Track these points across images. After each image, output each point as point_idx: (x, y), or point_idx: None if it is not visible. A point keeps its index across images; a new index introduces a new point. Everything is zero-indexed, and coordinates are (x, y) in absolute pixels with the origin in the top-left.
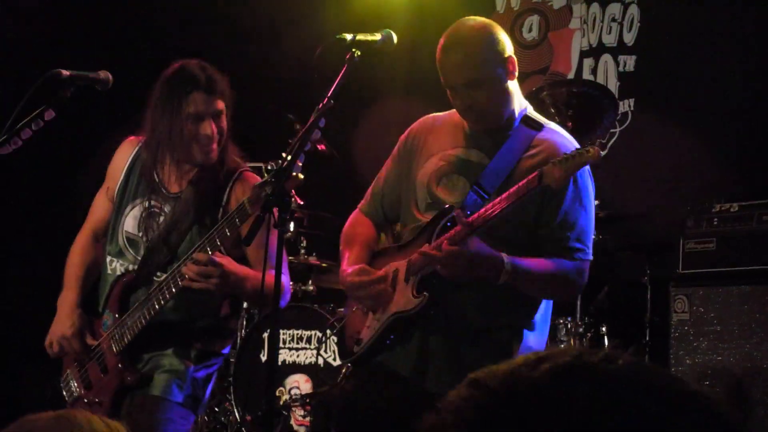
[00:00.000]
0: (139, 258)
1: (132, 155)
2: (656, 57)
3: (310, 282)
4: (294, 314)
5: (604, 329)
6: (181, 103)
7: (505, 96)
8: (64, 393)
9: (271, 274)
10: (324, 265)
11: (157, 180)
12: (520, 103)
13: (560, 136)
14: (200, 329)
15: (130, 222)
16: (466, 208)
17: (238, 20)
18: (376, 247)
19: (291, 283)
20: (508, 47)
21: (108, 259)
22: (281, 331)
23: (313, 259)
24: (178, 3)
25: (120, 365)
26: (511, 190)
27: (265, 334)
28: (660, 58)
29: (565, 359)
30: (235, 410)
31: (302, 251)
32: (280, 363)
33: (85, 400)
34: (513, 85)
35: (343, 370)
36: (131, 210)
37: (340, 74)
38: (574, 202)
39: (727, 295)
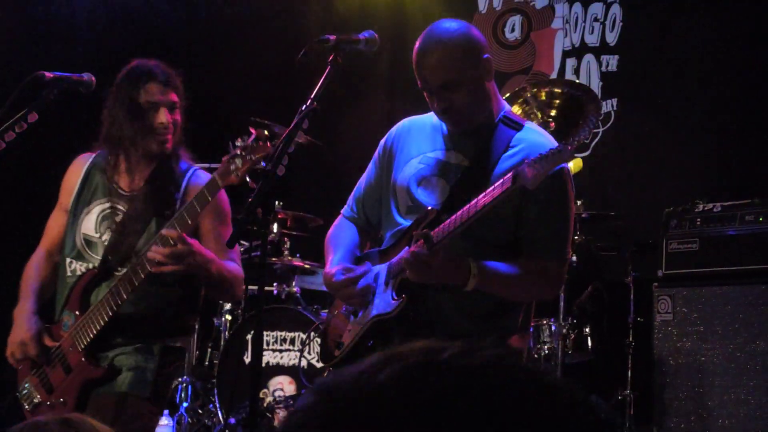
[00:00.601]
0: (98, 258)
1: (86, 167)
2: (639, 57)
3: (293, 284)
4: (278, 316)
5: (587, 330)
6: (138, 93)
7: (483, 97)
8: (24, 402)
9: (235, 268)
10: (307, 266)
11: (112, 182)
12: (499, 104)
13: (539, 135)
14: (161, 325)
15: (87, 224)
16: (445, 211)
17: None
18: (359, 252)
19: (275, 284)
20: (485, 48)
21: (67, 261)
22: (264, 333)
23: (296, 261)
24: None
25: (84, 360)
26: (487, 192)
27: (249, 336)
28: (642, 57)
29: (415, 358)
30: (219, 412)
31: (286, 253)
32: (263, 365)
33: (48, 403)
34: (491, 87)
35: (325, 374)
36: (87, 214)
37: (324, 76)
38: (550, 202)
39: (710, 296)
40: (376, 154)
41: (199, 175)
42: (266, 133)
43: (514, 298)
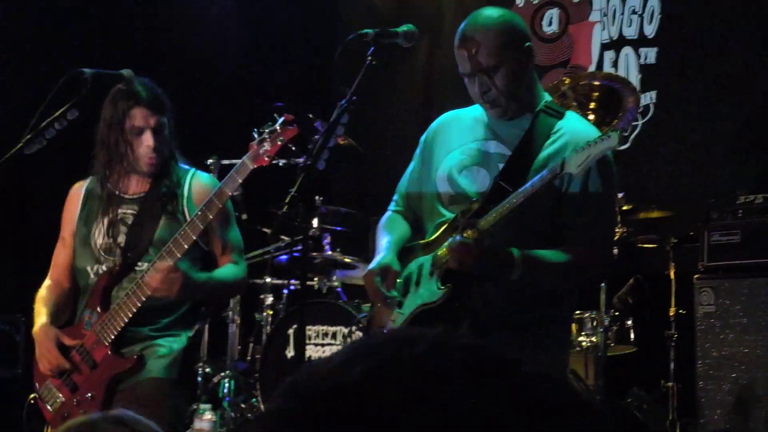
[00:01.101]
0: (118, 259)
1: (83, 193)
2: (677, 49)
3: (334, 278)
4: (319, 310)
5: (629, 322)
6: (124, 118)
7: (524, 84)
8: (47, 402)
9: (231, 277)
10: (348, 260)
11: (115, 192)
12: (540, 94)
13: (581, 122)
14: (185, 314)
15: (98, 236)
16: (488, 200)
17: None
18: (407, 243)
19: (316, 279)
20: (528, 36)
21: (88, 268)
22: (306, 327)
23: (337, 255)
24: None
25: (111, 354)
26: (533, 180)
27: (290, 330)
28: (681, 49)
29: (384, 354)
30: (262, 407)
31: (326, 247)
32: (305, 359)
33: (74, 401)
34: (532, 75)
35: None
36: (97, 228)
37: (362, 71)
38: (593, 189)
39: (752, 287)
40: (418, 148)
41: (200, 176)
42: (291, 117)
43: (559, 286)
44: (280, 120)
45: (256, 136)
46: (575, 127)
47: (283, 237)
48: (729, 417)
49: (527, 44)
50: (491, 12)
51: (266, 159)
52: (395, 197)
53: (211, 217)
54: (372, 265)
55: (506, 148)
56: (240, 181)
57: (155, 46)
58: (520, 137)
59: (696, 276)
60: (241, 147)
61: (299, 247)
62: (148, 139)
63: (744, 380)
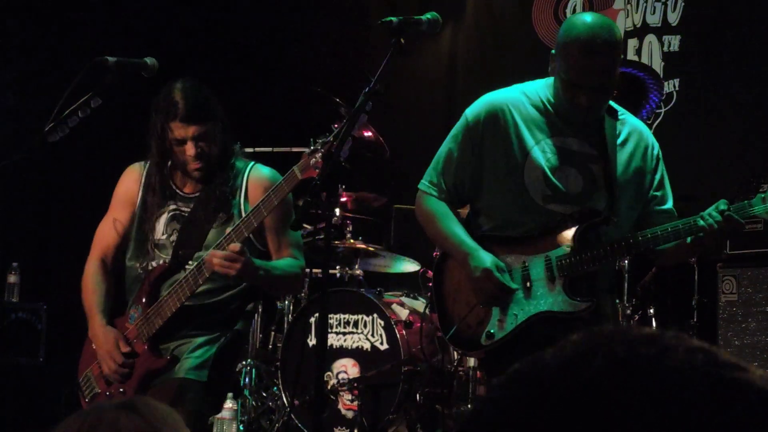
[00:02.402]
0: (168, 257)
1: (143, 177)
2: (701, 36)
3: (356, 266)
4: (341, 298)
5: (651, 311)
6: (165, 131)
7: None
8: (85, 392)
9: (291, 269)
10: (370, 249)
11: (173, 186)
12: None
13: (636, 122)
14: (224, 317)
15: (158, 229)
16: (611, 210)
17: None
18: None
19: (338, 267)
20: None
21: (136, 262)
22: (328, 316)
23: (359, 243)
24: None
25: (147, 350)
26: (679, 228)
27: (312, 319)
28: (705, 37)
29: (619, 353)
30: (283, 395)
31: (348, 235)
32: (327, 347)
33: (107, 394)
34: None
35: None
36: (154, 221)
37: (386, 58)
38: (665, 172)
39: None
40: (464, 137)
41: (258, 169)
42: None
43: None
44: (335, 132)
45: (311, 144)
46: (634, 125)
47: (305, 225)
48: None
49: (621, 55)
50: (610, 25)
51: (315, 171)
52: (436, 182)
53: (255, 224)
54: (482, 263)
55: (588, 145)
56: (288, 190)
57: (185, 31)
58: (594, 135)
59: (718, 264)
60: (267, 133)
61: (321, 236)
62: (189, 149)
63: (766, 368)
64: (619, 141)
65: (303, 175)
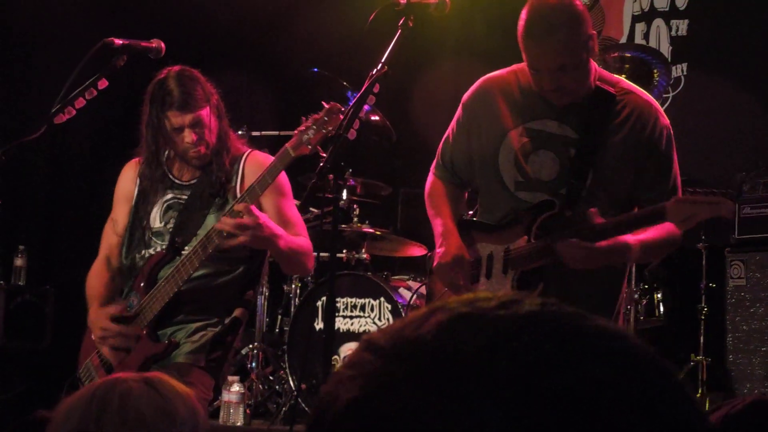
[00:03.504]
0: (166, 244)
1: (138, 173)
2: (709, 20)
3: (363, 250)
4: (348, 282)
5: (659, 296)
6: (161, 120)
7: (588, 73)
8: (85, 382)
9: (304, 242)
10: (377, 233)
11: (170, 176)
12: (593, 66)
13: (636, 95)
14: (222, 303)
15: (154, 218)
16: (567, 200)
17: None
18: (462, 207)
19: (345, 251)
20: (590, 24)
21: (136, 252)
22: (335, 299)
23: (366, 227)
24: None
25: (146, 336)
26: (631, 218)
27: (319, 303)
28: (713, 21)
29: (458, 309)
30: (290, 378)
31: (355, 219)
32: (334, 331)
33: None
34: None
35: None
36: (151, 212)
37: (394, 40)
38: (666, 158)
39: None
40: (458, 116)
41: (255, 155)
42: (339, 106)
43: (656, 259)
44: (326, 108)
45: (302, 121)
46: (635, 103)
47: (312, 209)
48: (759, 391)
49: (591, 33)
50: (559, 4)
51: (308, 148)
52: (439, 161)
53: (250, 203)
54: (443, 255)
55: (570, 128)
56: (281, 169)
57: (186, 13)
58: (582, 117)
59: (727, 249)
60: (273, 117)
61: (328, 219)
62: (187, 137)
63: None
64: (615, 122)
65: (296, 152)
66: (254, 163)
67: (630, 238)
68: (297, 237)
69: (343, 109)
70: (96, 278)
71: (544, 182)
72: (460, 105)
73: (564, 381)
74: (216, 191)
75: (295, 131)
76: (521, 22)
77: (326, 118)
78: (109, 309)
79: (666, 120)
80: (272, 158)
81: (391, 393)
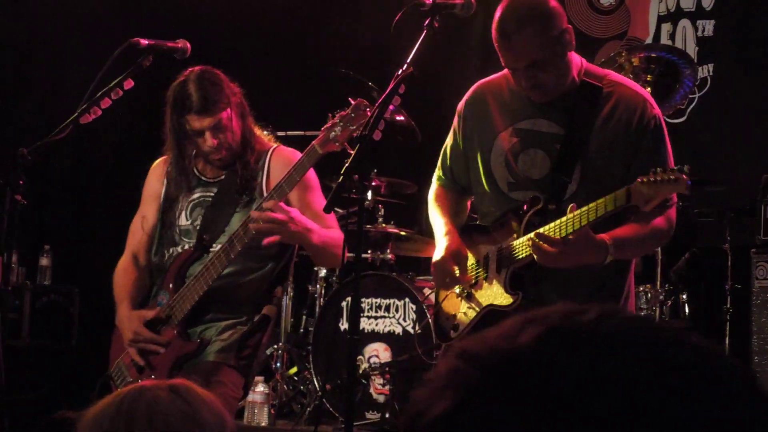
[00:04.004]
0: (194, 241)
1: (166, 171)
2: (735, 21)
3: (388, 250)
4: (373, 282)
5: (684, 297)
6: (182, 124)
7: (567, 67)
8: (117, 381)
9: (336, 233)
10: (402, 233)
11: (197, 174)
12: (576, 62)
13: (624, 87)
14: (251, 300)
15: (181, 217)
16: (552, 196)
17: None
18: (464, 215)
19: (370, 251)
20: (564, 18)
21: (165, 249)
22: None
23: (391, 228)
24: None
25: (177, 335)
26: (599, 203)
27: (344, 303)
28: (739, 22)
29: (554, 322)
30: (315, 379)
31: (380, 219)
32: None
33: (139, 380)
34: (571, 54)
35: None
36: (178, 210)
37: (419, 40)
38: (656, 151)
39: None
40: (454, 123)
41: (281, 150)
42: (365, 102)
43: (640, 255)
44: (353, 105)
45: (329, 118)
46: (621, 94)
47: (337, 209)
48: None
49: (565, 26)
50: (526, 2)
51: (336, 145)
52: (439, 172)
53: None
54: (440, 251)
55: (557, 125)
56: (309, 166)
57: (212, 14)
58: (568, 113)
59: (752, 250)
60: (299, 116)
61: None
62: (208, 140)
63: None
64: (601, 115)
65: (323, 150)
66: (280, 158)
67: (605, 236)
68: (329, 229)
69: (369, 105)
70: (124, 276)
71: (535, 180)
72: (456, 113)
73: (663, 400)
74: (242, 189)
75: (322, 129)
76: (493, 22)
77: (353, 115)
78: (142, 313)
79: (655, 109)
80: (298, 153)
81: (489, 405)
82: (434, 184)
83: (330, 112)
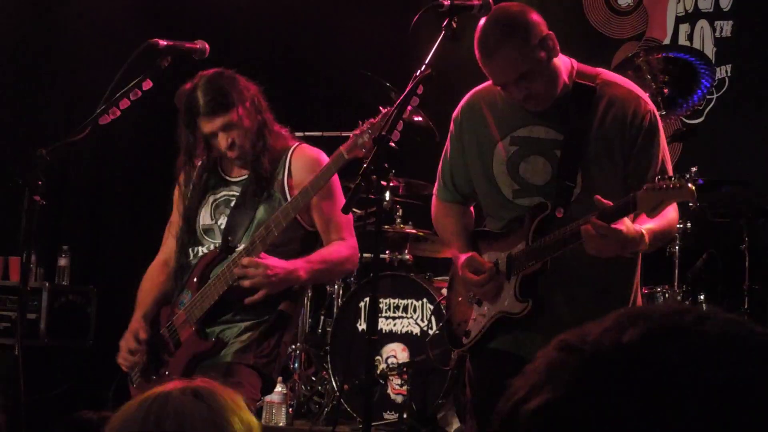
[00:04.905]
0: (217, 242)
1: (186, 174)
2: (753, 22)
3: (406, 251)
4: (390, 283)
5: (702, 297)
6: (194, 129)
7: (556, 73)
8: (133, 378)
9: (334, 250)
10: (420, 233)
11: (220, 173)
12: (566, 65)
13: (616, 86)
14: (271, 300)
15: (203, 216)
16: (558, 201)
17: None
18: (471, 222)
19: (388, 252)
20: (543, 26)
21: (189, 249)
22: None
23: (408, 228)
24: None
25: (195, 333)
26: (606, 210)
27: (362, 303)
28: (757, 22)
29: (657, 321)
30: (333, 379)
31: (398, 220)
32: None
33: (154, 378)
34: (559, 58)
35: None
36: (202, 209)
37: (437, 41)
38: (651, 135)
39: None
40: (450, 132)
41: (302, 148)
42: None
43: (661, 247)
44: (384, 112)
45: (359, 124)
46: (615, 95)
47: (355, 210)
48: None
49: (545, 34)
50: (497, 18)
51: (362, 151)
52: (440, 185)
53: (301, 204)
54: (459, 260)
55: (554, 131)
56: (335, 170)
57: (232, 15)
58: (565, 117)
59: None
60: (317, 117)
61: (372, 220)
62: (222, 141)
63: None
64: (597, 116)
65: (349, 155)
66: (301, 156)
67: (644, 229)
68: (331, 248)
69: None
70: (149, 282)
71: (539, 187)
72: (452, 121)
73: (764, 399)
74: (261, 188)
75: (351, 134)
76: (474, 44)
77: (382, 123)
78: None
79: (649, 105)
80: (320, 151)
81: (593, 397)
82: (435, 200)
83: (360, 119)
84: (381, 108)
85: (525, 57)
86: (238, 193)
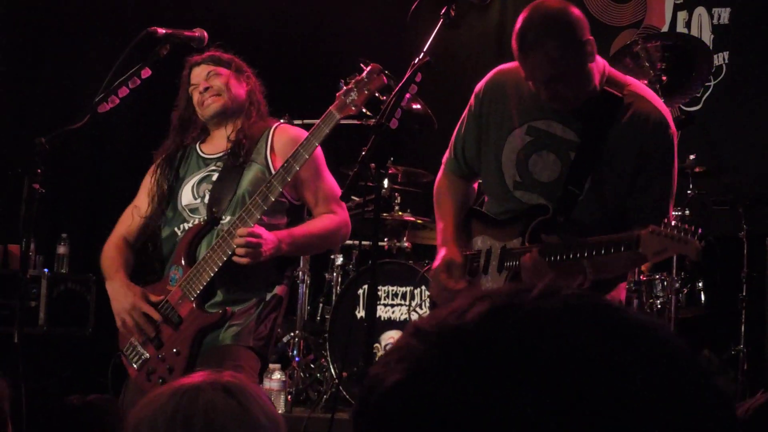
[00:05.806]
0: (203, 217)
1: (163, 159)
2: (751, 9)
3: (404, 238)
4: (389, 270)
5: (700, 285)
6: (186, 84)
7: (588, 79)
8: (132, 359)
9: (324, 220)
10: (419, 221)
11: (199, 152)
12: (599, 68)
13: (643, 100)
14: (263, 277)
15: (187, 196)
16: (563, 207)
17: None
18: (472, 199)
19: (386, 239)
20: (587, 29)
21: (176, 229)
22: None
23: (407, 216)
24: None
25: (196, 308)
26: (605, 241)
27: (360, 291)
28: (755, 10)
29: (498, 300)
30: (331, 366)
31: (397, 208)
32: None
33: (159, 356)
34: (594, 63)
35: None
36: (183, 187)
37: (436, 29)
38: (664, 160)
39: None
40: (470, 105)
41: (285, 127)
42: (379, 67)
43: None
44: (368, 69)
45: (342, 86)
46: (639, 110)
47: (353, 197)
48: None
49: (587, 38)
50: (548, 13)
51: (353, 109)
52: (451, 153)
53: (297, 167)
54: (437, 261)
55: (572, 131)
56: (327, 131)
57: (229, 4)
58: (585, 120)
59: None
60: (315, 105)
61: (370, 208)
62: (201, 84)
63: None
64: (618, 127)
65: (341, 114)
66: (284, 133)
67: (586, 264)
68: (313, 221)
69: (383, 70)
70: (115, 250)
71: (543, 183)
72: (473, 94)
73: (600, 371)
74: (244, 159)
75: (337, 95)
76: (513, 31)
77: (367, 79)
78: (147, 291)
79: (671, 128)
80: (302, 130)
81: (434, 377)
82: (442, 172)
83: (342, 78)
84: (363, 65)
85: (561, 59)
86: (220, 168)
